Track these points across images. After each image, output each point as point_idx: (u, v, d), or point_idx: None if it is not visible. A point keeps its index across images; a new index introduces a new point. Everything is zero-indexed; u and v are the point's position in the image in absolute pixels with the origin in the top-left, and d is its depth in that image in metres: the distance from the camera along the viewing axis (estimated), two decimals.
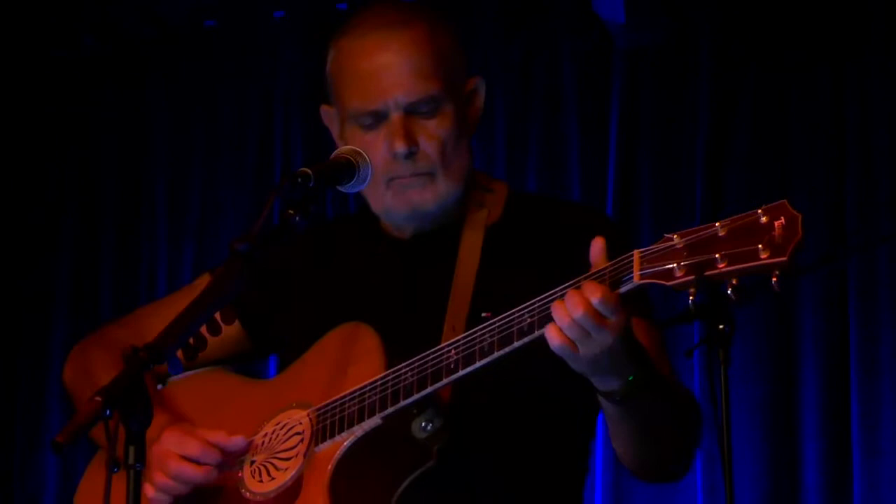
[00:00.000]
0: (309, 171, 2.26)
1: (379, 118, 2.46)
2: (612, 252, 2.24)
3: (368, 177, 2.37)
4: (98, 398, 2.05)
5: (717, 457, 2.94)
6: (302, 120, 4.56)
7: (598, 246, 2.20)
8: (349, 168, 2.34)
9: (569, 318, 2.11)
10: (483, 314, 2.34)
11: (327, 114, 2.59)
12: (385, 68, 2.47)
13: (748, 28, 4.37)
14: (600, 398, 2.25)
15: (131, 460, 2.04)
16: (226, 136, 4.67)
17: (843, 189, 4.17)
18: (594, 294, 2.09)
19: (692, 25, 4.45)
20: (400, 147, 2.42)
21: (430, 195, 2.50)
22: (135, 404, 2.09)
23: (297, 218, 2.25)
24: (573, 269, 2.24)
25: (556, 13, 4.55)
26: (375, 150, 2.44)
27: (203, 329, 2.29)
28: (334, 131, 2.59)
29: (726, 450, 2.85)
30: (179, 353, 2.24)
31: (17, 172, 4.71)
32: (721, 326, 2.47)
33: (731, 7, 4.39)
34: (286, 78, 4.67)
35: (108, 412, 2.04)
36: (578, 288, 2.17)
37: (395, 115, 2.46)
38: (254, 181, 4.42)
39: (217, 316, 2.30)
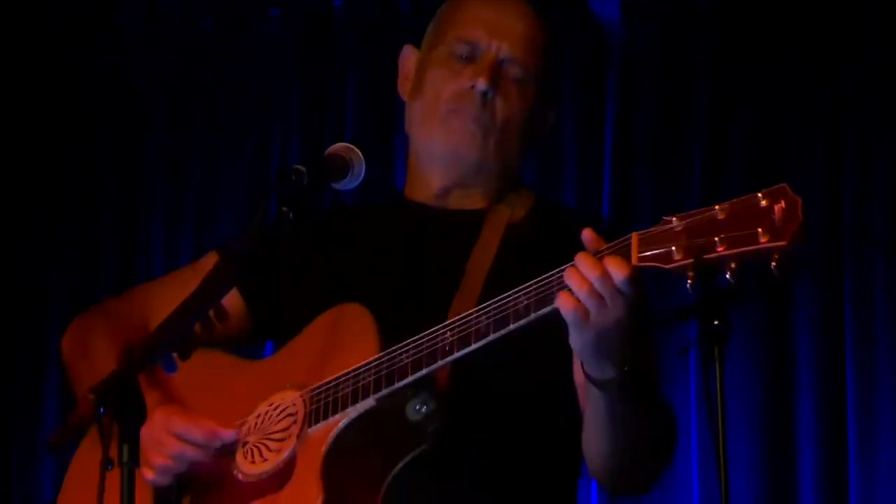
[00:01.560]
0: (303, 168, 2.27)
1: (475, 54, 2.51)
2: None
3: (362, 174, 2.34)
4: (91, 396, 2.06)
5: (713, 456, 2.95)
6: (300, 117, 4.57)
7: (589, 233, 2.18)
8: (343, 165, 2.33)
9: (587, 284, 2.09)
10: (487, 290, 2.37)
11: (408, 53, 2.63)
12: (507, 20, 2.55)
13: (748, 28, 4.34)
14: (590, 388, 2.23)
15: (125, 458, 2.05)
16: (224, 136, 4.68)
17: (839, 195, 4.15)
18: (610, 263, 2.08)
19: (689, 24, 4.41)
20: (482, 84, 2.46)
21: (476, 146, 2.51)
22: (128, 404, 2.09)
23: (292, 215, 2.26)
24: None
25: (550, 12, 4.55)
26: (454, 81, 2.50)
27: (197, 327, 2.27)
28: (402, 72, 2.63)
29: (722, 449, 2.84)
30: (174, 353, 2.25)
31: (15, 173, 4.72)
32: (716, 323, 2.44)
33: (730, 7, 4.36)
34: (283, 76, 4.68)
35: (101, 411, 2.05)
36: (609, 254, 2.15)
37: (492, 57, 2.50)
38: (251, 178, 4.45)
39: (211, 314, 2.29)
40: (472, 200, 2.58)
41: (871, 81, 4.18)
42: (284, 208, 2.25)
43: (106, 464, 2.04)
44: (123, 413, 2.08)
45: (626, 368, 2.20)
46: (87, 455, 2.58)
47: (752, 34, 4.37)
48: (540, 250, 2.48)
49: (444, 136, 2.53)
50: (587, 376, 2.19)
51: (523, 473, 2.50)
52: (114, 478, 2.12)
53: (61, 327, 2.88)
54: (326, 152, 2.36)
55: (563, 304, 2.11)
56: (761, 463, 4.19)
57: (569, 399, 2.43)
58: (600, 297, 2.09)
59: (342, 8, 4.65)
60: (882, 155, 4.18)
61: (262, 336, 2.76)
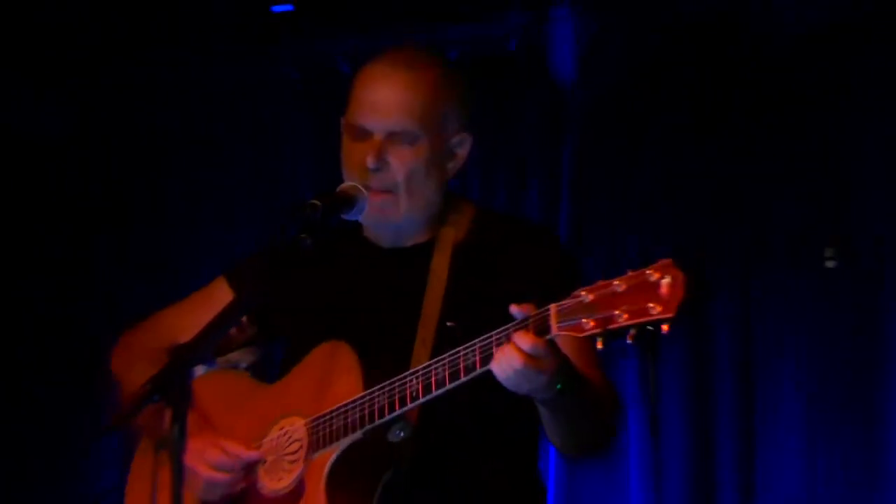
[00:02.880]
0: (318, 203, 2.52)
1: (365, 134, 2.66)
2: (557, 277, 2.56)
3: (365, 208, 2.60)
4: (147, 386, 2.27)
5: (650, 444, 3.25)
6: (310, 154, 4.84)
7: (515, 309, 2.39)
8: (350, 200, 2.59)
9: (511, 370, 2.35)
10: (448, 324, 2.59)
11: (342, 124, 2.75)
12: (383, 98, 2.68)
13: (698, 85, 4.51)
14: (536, 404, 2.48)
15: (176, 436, 2.23)
16: (238, 179, 4.91)
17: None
18: (526, 344, 2.33)
19: (643, 82, 4.57)
20: (370, 161, 2.63)
21: (393, 211, 2.70)
22: (177, 392, 2.30)
23: (309, 241, 2.47)
24: (526, 286, 2.51)
25: (512, 73, 4.69)
26: (355, 160, 2.67)
27: (228, 335, 2.66)
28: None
29: (656, 432, 3.19)
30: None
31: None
32: (650, 328, 2.68)
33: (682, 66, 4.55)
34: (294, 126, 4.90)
35: (155, 398, 2.26)
36: (509, 336, 2.39)
37: (377, 136, 2.65)
38: (264, 213, 4.72)
39: (233, 330, 2.70)
40: (419, 236, 2.75)
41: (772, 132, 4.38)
42: (303, 235, 2.47)
43: (160, 446, 2.27)
44: (175, 397, 2.26)
45: (558, 388, 2.41)
46: (142, 458, 2.89)
47: (701, 92, 4.52)
48: (486, 266, 2.75)
49: (369, 208, 2.68)
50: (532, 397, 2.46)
51: (488, 479, 2.70)
52: (165, 473, 2.27)
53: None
54: (337, 189, 2.62)
55: (497, 373, 2.38)
56: (689, 449, 4.45)
57: (517, 415, 2.65)
58: (524, 375, 2.35)
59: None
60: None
61: (271, 341, 2.97)
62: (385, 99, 2.69)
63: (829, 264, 4.18)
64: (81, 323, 4.69)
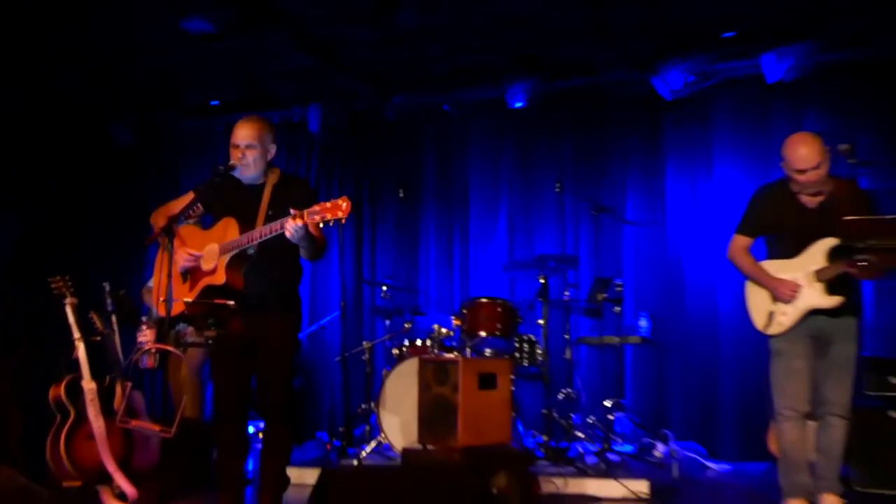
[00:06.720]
0: (222, 167, 4.46)
1: (237, 146, 4.59)
2: (307, 199, 4.25)
3: (239, 170, 4.66)
4: (160, 231, 4.41)
5: None
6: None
7: (292, 210, 3.92)
8: (234, 168, 4.67)
9: (290, 232, 4.07)
10: (269, 213, 4.50)
11: (230, 143, 4.45)
12: (242, 133, 4.61)
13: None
14: (297, 244, 4.27)
15: (170, 249, 4.37)
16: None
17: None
18: (296, 223, 3.98)
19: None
20: (239, 155, 4.56)
21: (248, 172, 4.65)
22: (171, 233, 4.45)
23: (218, 180, 4.54)
24: (297, 200, 4.27)
25: (293, 129, 7.81)
26: (235, 156, 4.56)
27: (190, 212, 4.56)
28: None
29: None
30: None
31: None
32: (338, 220, 4.17)
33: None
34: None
35: (164, 233, 4.43)
36: (289, 220, 4.03)
37: (241, 146, 4.60)
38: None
39: (193, 210, 4.62)
40: (259, 180, 4.63)
41: None
42: (217, 178, 4.57)
43: (165, 250, 4.35)
44: (170, 233, 4.45)
45: (306, 241, 4.08)
46: (160, 255, 4.69)
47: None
48: (284, 195, 4.57)
49: (241, 171, 4.53)
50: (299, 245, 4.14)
51: (280, 266, 4.57)
52: (166, 260, 4.25)
53: (148, 214, 4.96)
54: (229, 163, 4.59)
55: (286, 232, 4.09)
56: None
57: (291, 248, 4.47)
58: (299, 229, 3.99)
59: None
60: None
61: (206, 214, 4.74)
62: (243, 133, 4.67)
63: (401, 195, 6.97)
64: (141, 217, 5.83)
